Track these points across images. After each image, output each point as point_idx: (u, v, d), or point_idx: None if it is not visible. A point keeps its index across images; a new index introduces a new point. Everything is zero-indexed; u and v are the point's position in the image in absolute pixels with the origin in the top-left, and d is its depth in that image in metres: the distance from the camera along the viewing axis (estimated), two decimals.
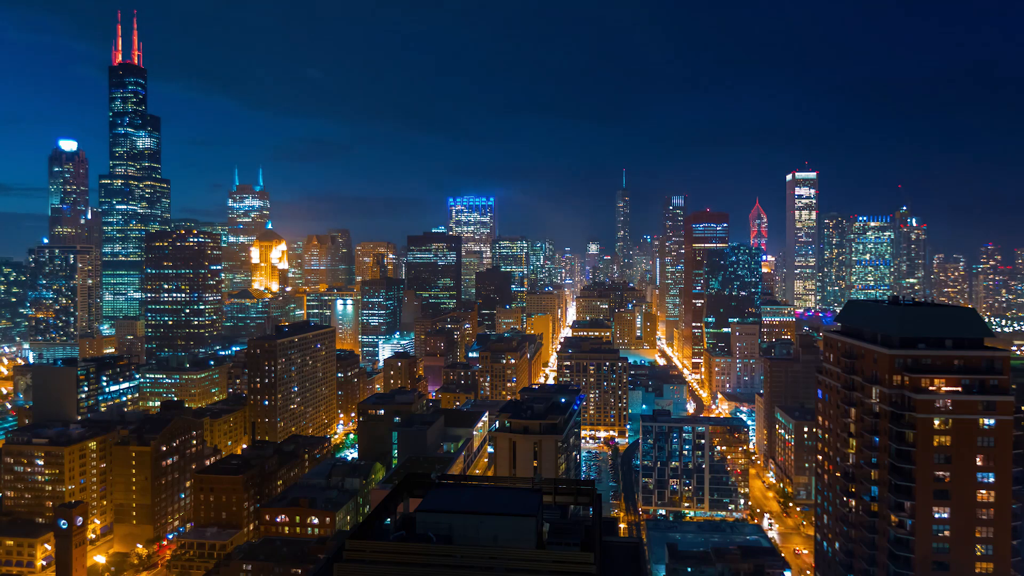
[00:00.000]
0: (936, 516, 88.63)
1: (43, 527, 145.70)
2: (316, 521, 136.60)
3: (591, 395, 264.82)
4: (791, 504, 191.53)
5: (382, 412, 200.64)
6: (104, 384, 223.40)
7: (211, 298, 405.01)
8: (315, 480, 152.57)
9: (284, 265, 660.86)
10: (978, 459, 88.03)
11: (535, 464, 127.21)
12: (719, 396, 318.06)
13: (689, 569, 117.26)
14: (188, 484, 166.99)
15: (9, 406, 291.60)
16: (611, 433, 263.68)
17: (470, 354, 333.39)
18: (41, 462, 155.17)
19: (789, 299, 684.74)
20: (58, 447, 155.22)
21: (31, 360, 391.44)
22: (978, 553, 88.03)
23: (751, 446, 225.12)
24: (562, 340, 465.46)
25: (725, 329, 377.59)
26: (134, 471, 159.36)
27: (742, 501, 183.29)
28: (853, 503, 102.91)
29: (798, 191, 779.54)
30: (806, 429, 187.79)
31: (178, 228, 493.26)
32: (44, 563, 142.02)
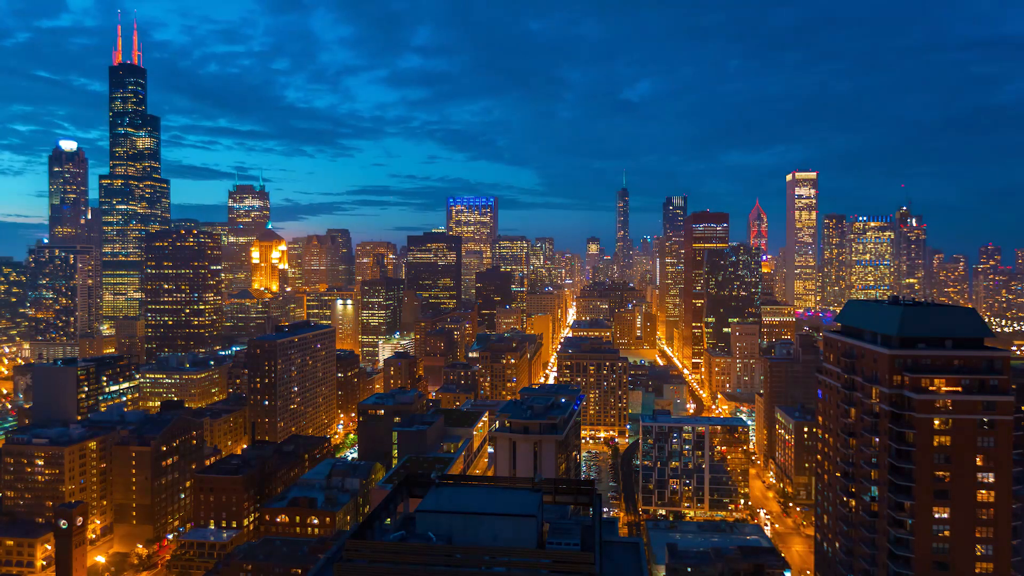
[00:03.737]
0: (936, 516, 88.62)
1: (43, 527, 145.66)
2: (316, 521, 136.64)
3: (591, 395, 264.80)
4: (791, 504, 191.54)
5: (382, 412, 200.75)
6: (104, 384, 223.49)
7: (211, 298, 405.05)
8: (315, 480, 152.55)
9: (284, 265, 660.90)
10: (978, 459, 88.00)
11: (535, 464, 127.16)
12: (719, 396, 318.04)
13: (689, 569, 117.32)
14: (188, 484, 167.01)
15: (9, 406, 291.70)
16: (611, 433, 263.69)
17: (470, 354, 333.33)
18: (41, 462, 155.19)
19: (789, 299, 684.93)
20: (58, 447, 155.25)
21: (31, 360, 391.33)
22: (978, 553, 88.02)
23: (751, 446, 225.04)
24: (562, 340, 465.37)
25: (725, 329, 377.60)
26: (134, 471, 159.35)
27: (742, 501, 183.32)
28: (853, 503, 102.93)
29: (798, 191, 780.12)
30: (806, 429, 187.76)
31: (178, 228, 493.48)
32: (44, 563, 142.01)
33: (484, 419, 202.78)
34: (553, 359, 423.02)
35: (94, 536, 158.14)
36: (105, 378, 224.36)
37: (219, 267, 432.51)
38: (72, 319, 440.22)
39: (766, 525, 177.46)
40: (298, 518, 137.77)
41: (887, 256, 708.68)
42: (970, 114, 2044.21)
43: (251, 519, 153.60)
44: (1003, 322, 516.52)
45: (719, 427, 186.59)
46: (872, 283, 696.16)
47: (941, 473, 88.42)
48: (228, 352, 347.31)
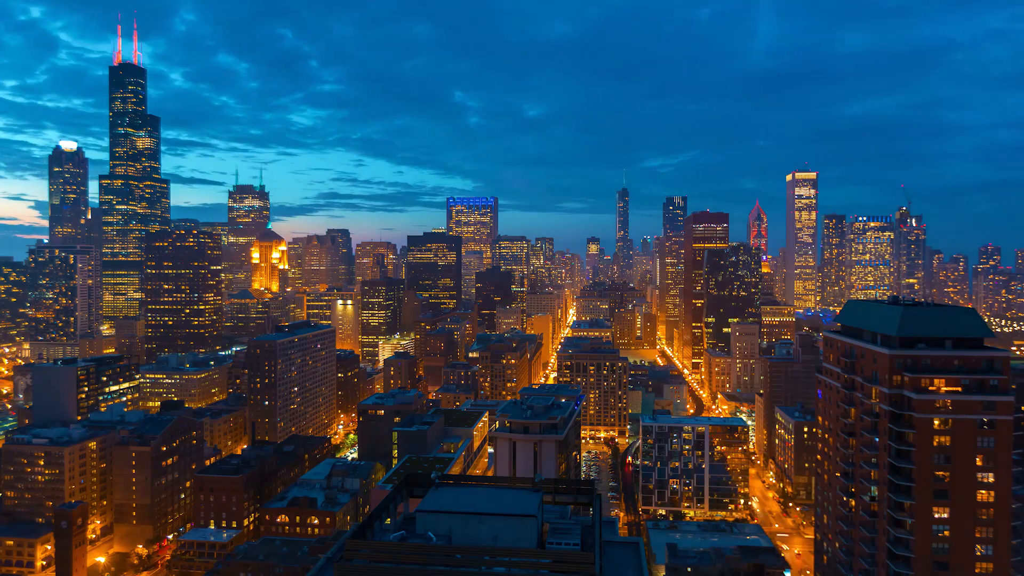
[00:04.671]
0: (936, 516, 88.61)
1: (43, 527, 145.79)
2: (316, 521, 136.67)
3: (591, 395, 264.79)
4: (791, 504, 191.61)
5: (382, 412, 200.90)
6: (104, 384, 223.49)
7: (211, 298, 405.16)
8: (315, 480, 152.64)
9: (284, 266, 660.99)
10: (978, 459, 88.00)
11: (535, 464, 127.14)
12: (719, 396, 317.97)
13: (689, 569, 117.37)
14: (188, 484, 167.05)
15: (9, 406, 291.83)
16: (611, 433, 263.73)
17: (470, 354, 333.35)
18: (41, 462, 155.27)
19: (789, 299, 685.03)
20: (58, 447, 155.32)
21: (31, 360, 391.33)
22: (978, 553, 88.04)
23: (751, 446, 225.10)
24: (562, 340, 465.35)
25: (725, 329, 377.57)
26: (134, 471, 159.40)
27: (742, 501, 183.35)
28: (853, 503, 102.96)
29: (798, 191, 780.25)
30: (806, 429, 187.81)
31: (178, 228, 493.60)
32: (44, 563, 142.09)
33: (484, 419, 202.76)
34: (553, 359, 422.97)
35: (94, 536, 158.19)
36: (105, 378, 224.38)
37: (219, 267, 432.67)
38: (72, 319, 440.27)
39: (767, 525, 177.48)
40: (298, 518, 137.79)
41: (887, 256, 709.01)
42: (833, 126, 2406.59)
43: (251, 519, 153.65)
44: (1003, 322, 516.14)
45: (719, 427, 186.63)
46: (872, 283, 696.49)
47: (941, 473, 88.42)
48: (228, 352, 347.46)
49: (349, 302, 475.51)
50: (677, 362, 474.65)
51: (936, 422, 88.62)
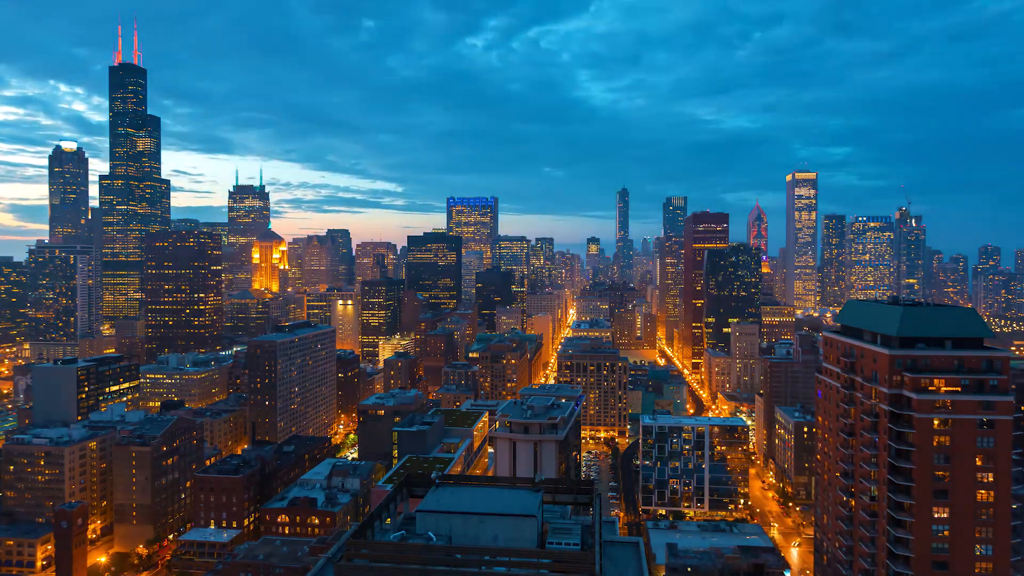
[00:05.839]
0: (935, 516, 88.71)
1: (43, 527, 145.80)
2: (316, 521, 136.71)
3: (591, 395, 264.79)
4: (791, 504, 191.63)
5: (382, 412, 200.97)
6: (104, 384, 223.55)
7: (211, 298, 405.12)
8: (315, 480, 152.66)
9: (284, 266, 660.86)
10: (977, 459, 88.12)
11: (535, 465, 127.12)
12: (719, 396, 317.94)
13: (689, 569, 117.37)
14: (188, 484, 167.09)
15: (9, 406, 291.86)
16: (611, 433, 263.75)
17: (470, 354, 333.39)
18: (41, 462, 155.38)
19: (789, 299, 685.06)
20: (58, 447, 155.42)
21: (31, 361, 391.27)
22: (977, 553, 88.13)
23: (751, 446, 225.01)
24: (562, 340, 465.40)
25: (725, 329, 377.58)
26: (134, 471, 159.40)
27: (742, 501, 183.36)
28: (853, 503, 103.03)
29: (798, 191, 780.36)
30: (806, 429, 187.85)
31: (178, 228, 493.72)
32: (44, 563, 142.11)
33: (484, 419, 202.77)
34: (553, 359, 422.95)
35: (94, 536, 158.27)
36: (105, 378, 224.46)
37: (219, 267, 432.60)
38: (72, 319, 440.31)
39: (766, 525, 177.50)
40: (298, 518, 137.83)
41: (887, 256, 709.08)
42: (704, 142, 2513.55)
43: (251, 519, 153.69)
44: (1003, 322, 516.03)
45: (719, 427, 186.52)
46: (872, 283, 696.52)
47: (941, 473, 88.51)
48: (228, 352, 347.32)
49: (349, 302, 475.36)
50: (677, 362, 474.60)
51: (936, 422, 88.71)
